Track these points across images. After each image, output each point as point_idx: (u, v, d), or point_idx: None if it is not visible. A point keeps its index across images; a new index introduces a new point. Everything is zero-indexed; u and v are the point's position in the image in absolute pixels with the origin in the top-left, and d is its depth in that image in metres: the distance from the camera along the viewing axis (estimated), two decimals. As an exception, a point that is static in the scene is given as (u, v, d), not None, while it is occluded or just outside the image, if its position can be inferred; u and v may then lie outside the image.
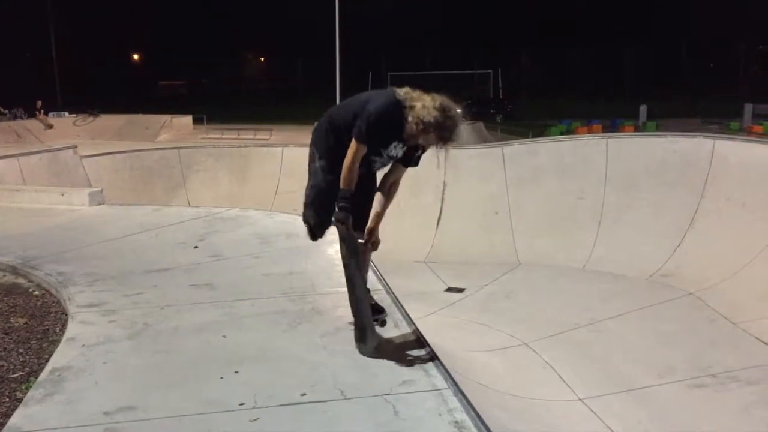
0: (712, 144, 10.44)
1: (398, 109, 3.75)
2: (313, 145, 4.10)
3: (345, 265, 3.94)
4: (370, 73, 40.01)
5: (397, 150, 3.91)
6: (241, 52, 68.74)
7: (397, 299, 4.85)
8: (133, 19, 58.36)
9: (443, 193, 11.84)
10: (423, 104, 3.70)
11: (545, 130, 29.94)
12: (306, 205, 4.11)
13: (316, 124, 4.17)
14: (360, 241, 3.91)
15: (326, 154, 4.00)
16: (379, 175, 4.19)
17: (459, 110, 3.80)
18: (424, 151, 3.96)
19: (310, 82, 54.54)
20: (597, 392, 6.38)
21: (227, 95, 53.62)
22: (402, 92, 3.81)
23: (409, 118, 3.71)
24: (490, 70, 44.65)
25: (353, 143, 3.75)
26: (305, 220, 4.18)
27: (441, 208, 11.80)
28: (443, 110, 3.69)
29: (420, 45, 56.51)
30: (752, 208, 9.36)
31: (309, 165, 4.13)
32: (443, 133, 3.70)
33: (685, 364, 7.05)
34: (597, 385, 6.56)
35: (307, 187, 4.13)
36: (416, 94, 3.80)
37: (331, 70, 28.95)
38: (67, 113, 29.45)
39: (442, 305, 9.01)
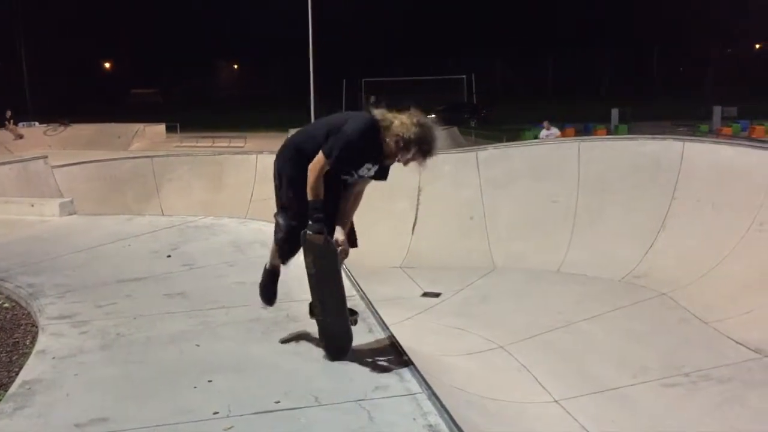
0: (682, 146, 10.60)
1: (375, 131, 3.76)
2: (280, 171, 4.00)
3: (310, 274, 3.92)
4: (344, 80, 40.01)
5: (370, 171, 3.90)
6: (214, 59, 68.41)
7: (371, 304, 4.86)
8: (104, 28, 57.79)
9: (418, 199, 11.88)
10: (401, 122, 3.73)
11: (519, 134, 30.14)
12: (281, 238, 4.05)
13: (280, 148, 4.08)
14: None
15: (296, 185, 3.89)
16: None
17: (434, 123, 3.83)
18: (392, 163, 3.97)
19: (284, 90, 54.47)
20: (572, 393, 6.43)
21: (201, 103, 53.27)
22: (377, 113, 3.81)
23: (387, 138, 3.74)
24: (463, 76, 44.89)
25: (320, 157, 3.71)
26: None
27: (416, 213, 11.83)
28: (422, 125, 3.73)
29: (394, 51, 56.67)
30: (721, 209, 9.50)
31: (277, 191, 4.04)
32: (424, 147, 3.73)
33: (658, 363, 7.12)
34: (572, 386, 6.60)
35: (276, 215, 4.06)
36: (391, 114, 3.81)
37: (305, 77, 28.90)
38: (37, 123, 29.12)
39: (418, 310, 9.02)
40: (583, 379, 6.81)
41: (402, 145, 3.72)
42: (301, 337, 4.33)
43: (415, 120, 3.73)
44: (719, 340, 7.62)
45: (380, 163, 3.88)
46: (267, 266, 4.39)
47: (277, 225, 4.06)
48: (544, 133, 21.50)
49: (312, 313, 4.11)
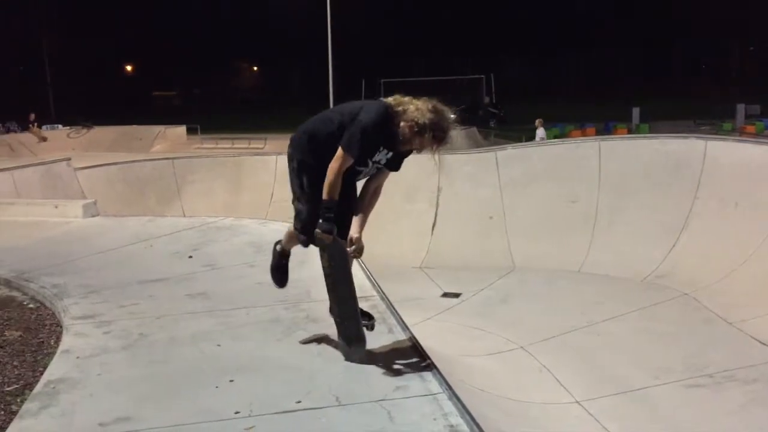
0: (704, 145, 10.47)
1: (389, 117, 3.76)
2: (293, 160, 3.98)
3: (327, 275, 3.93)
4: (363, 80, 40.04)
5: (381, 157, 3.89)
6: (234, 61, 68.79)
7: (391, 305, 4.86)
8: (125, 31, 58.35)
9: (438, 199, 11.86)
10: (416, 107, 3.73)
11: (539, 134, 29.94)
12: (302, 222, 4.01)
13: (292, 136, 4.07)
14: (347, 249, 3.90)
15: (309, 171, 3.89)
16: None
17: (450, 112, 3.82)
18: (408, 154, 3.97)
19: (303, 91, 54.66)
20: (594, 394, 6.38)
21: (221, 105, 53.60)
22: (392, 99, 3.82)
23: (402, 123, 3.73)
24: (482, 76, 44.71)
25: (340, 153, 3.70)
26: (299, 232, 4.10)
27: (436, 213, 11.81)
28: (436, 111, 3.73)
29: (412, 52, 56.63)
30: (745, 208, 9.38)
31: (291, 181, 4.02)
32: (438, 133, 3.72)
33: (681, 364, 7.04)
34: (594, 387, 6.55)
35: (294, 201, 4.05)
36: (407, 99, 3.81)
37: (324, 78, 28.99)
38: (60, 126, 29.41)
39: (438, 310, 9.00)
40: (604, 380, 6.76)
41: (416, 130, 3.70)
42: (321, 337, 4.34)
43: (430, 106, 3.73)
44: (743, 341, 7.52)
45: (394, 149, 3.87)
46: (278, 248, 4.43)
47: (297, 212, 4.04)
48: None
49: (331, 311, 4.12)
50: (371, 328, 4.14)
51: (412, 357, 3.96)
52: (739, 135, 25.37)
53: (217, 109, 48.56)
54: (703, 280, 8.98)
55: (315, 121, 4.05)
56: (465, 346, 7.40)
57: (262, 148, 23.70)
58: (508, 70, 55.05)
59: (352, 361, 3.90)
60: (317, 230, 3.75)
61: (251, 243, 7.18)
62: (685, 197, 10.16)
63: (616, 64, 55.07)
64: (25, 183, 12.10)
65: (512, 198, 11.53)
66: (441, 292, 9.86)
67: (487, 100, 42.85)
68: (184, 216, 11.21)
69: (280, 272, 4.48)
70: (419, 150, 3.84)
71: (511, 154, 12.28)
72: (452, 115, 3.82)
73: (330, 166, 3.71)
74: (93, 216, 9.05)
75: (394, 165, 4.01)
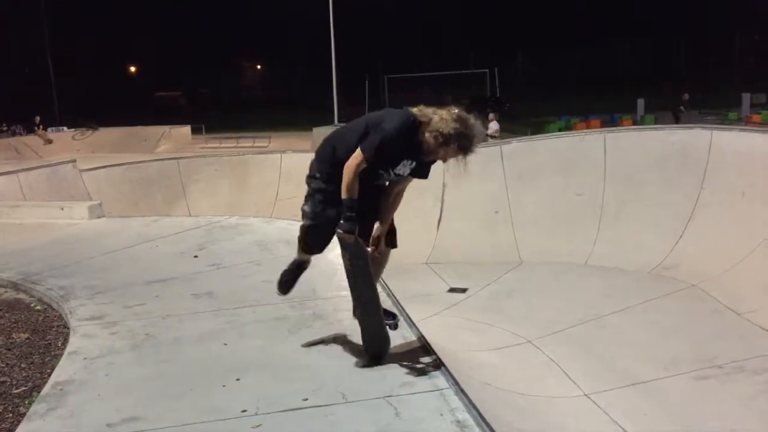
0: (710, 135, 10.41)
1: (413, 127, 3.71)
2: (317, 172, 3.95)
3: (348, 274, 3.91)
4: (367, 75, 39.99)
5: (405, 168, 3.86)
6: (237, 60, 68.85)
7: (398, 301, 4.86)
8: (128, 31, 58.46)
9: (443, 194, 11.82)
10: (440, 117, 3.67)
11: (544, 127, 29.91)
12: (307, 228, 4.04)
13: (318, 148, 4.04)
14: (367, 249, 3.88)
15: (333, 183, 3.82)
16: None
17: (476, 120, 3.76)
18: (434, 162, 3.93)
19: (307, 88, 54.65)
20: (602, 387, 6.36)
21: (225, 104, 53.67)
22: (416, 110, 3.77)
23: (426, 134, 3.69)
24: (486, 70, 44.60)
25: (357, 153, 3.67)
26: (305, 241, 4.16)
27: (441, 208, 11.77)
28: (461, 120, 3.67)
29: (416, 47, 56.58)
30: (752, 198, 9.33)
31: (310, 189, 3.98)
32: (464, 142, 3.66)
33: (690, 356, 7.01)
34: (602, 380, 6.53)
35: (308, 212, 4.00)
36: (431, 109, 3.76)
37: (328, 75, 28.97)
38: (65, 128, 29.59)
39: (445, 306, 8.99)
40: (613, 373, 6.73)
41: (441, 141, 3.65)
42: (328, 335, 4.34)
43: (454, 115, 3.68)
44: (752, 331, 7.48)
45: (419, 159, 3.84)
46: (296, 258, 4.37)
47: (303, 214, 4.03)
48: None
49: (354, 313, 4.09)
50: (394, 327, 4.12)
51: (418, 353, 3.96)
52: (744, 124, 25.26)
53: (221, 108, 48.65)
54: (710, 271, 8.94)
55: (339, 131, 4.04)
56: (472, 341, 7.38)
57: (266, 147, 23.81)
58: (513, 64, 54.91)
59: (375, 364, 3.84)
60: (338, 230, 3.71)
61: (257, 241, 7.19)
62: (692, 188, 10.10)
63: (621, 56, 54.84)
64: (30, 185, 12.14)
65: (518, 192, 11.48)
66: (447, 288, 9.84)
67: (489, 94, 42.78)
68: (190, 215, 11.22)
69: (286, 278, 4.36)
70: (444, 160, 3.81)
71: (517, 147, 12.23)
72: (479, 122, 3.76)
73: (346, 164, 3.69)
74: (99, 217, 9.08)
75: (422, 174, 3.99)
